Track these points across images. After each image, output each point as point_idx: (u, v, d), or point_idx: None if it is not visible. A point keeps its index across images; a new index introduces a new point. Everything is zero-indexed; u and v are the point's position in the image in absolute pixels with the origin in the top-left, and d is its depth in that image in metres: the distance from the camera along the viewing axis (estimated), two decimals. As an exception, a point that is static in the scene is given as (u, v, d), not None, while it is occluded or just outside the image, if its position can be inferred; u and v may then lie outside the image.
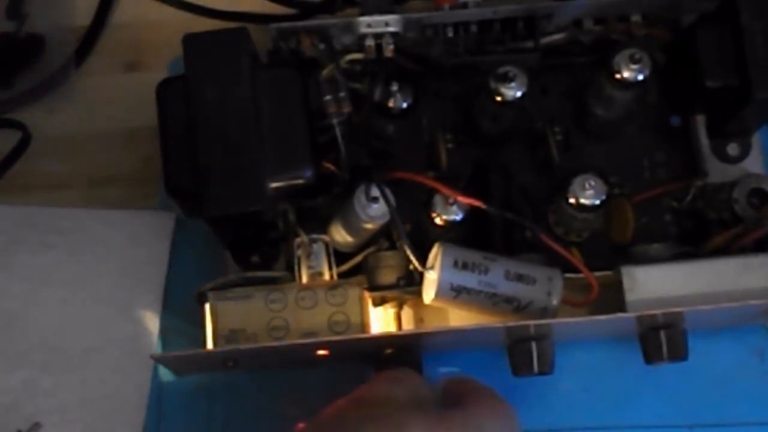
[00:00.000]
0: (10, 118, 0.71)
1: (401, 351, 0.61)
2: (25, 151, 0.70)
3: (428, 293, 0.61)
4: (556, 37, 0.67)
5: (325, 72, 0.61)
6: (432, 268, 0.60)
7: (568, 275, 0.62)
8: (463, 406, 0.56)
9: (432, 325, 0.65)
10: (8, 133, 0.71)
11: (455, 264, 0.60)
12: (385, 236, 0.64)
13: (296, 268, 0.63)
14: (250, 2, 0.73)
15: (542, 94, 0.68)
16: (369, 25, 0.65)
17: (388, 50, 0.65)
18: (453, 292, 0.60)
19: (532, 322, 0.59)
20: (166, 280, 0.68)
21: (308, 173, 0.58)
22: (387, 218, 0.61)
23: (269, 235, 0.63)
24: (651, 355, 0.62)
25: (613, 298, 0.62)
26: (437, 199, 0.62)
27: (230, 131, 0.57)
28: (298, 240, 0.63)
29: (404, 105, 0.61)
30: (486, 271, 0.60)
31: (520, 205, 0.65)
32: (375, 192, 0.60)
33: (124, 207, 0.70)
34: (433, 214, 0.62)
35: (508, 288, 0.60)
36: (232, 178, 0.57)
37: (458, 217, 0.61)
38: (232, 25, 0.61)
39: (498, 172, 0.66)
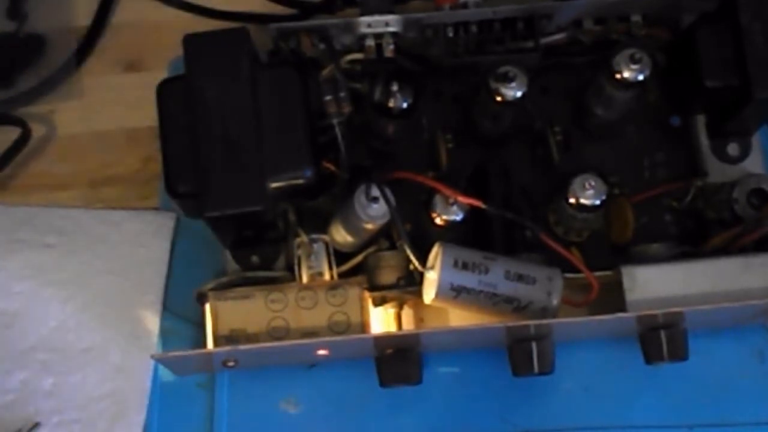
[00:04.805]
0: (9, 114, 0.71)
1: (401, 351, 0.61)
2: (25, 149, 0.70)
3: (428, 293, 0.61)
4: (556, 37, 0.67)
5: (325, 72, 0.61)
6: (432, 268, 0.60)
7: (568, 275, 0.62)
8: None
9: (432, 325, 0.65)
10: (8, 131, 0.71)
11: (455, 264, 0.60)
12: (385, 236, 0.64)
13: (296, 268, 0.63)
14: (250, 2, 0.73)
15: (542, 94, 0.68)
16: (369, 25, 0.65)
17: (388, 50, 0.65)
18: (453, 292, 0.60)
19: (532, 322, 0.59)
20: (166, 280, 0.68)
21: (308, 173, 0.58)
22: (387, 218, 0.61)
23: (269, 235, 0.63)
24: (651, 355, 0.62)
25: (613, 298, 0.62)
26: (437, 199, 0.62)
27: (230, 131, 0.57)
28: (298, 240, 0.63)
29: (404, 105, 0.61)
30: (486, 271, 0.60)
31: (520, 205, 0.65)
32: (375, 192, 0.60)
33: (124, 207, 0.70)
34: (433, 214, 0.62)
35: (508, 288, 0.60)
36: (232, 178, 0.57)
37: (458, 217, 0.61)
38: (232, 25, 0.61)
39: (498, 172, 0.66)
